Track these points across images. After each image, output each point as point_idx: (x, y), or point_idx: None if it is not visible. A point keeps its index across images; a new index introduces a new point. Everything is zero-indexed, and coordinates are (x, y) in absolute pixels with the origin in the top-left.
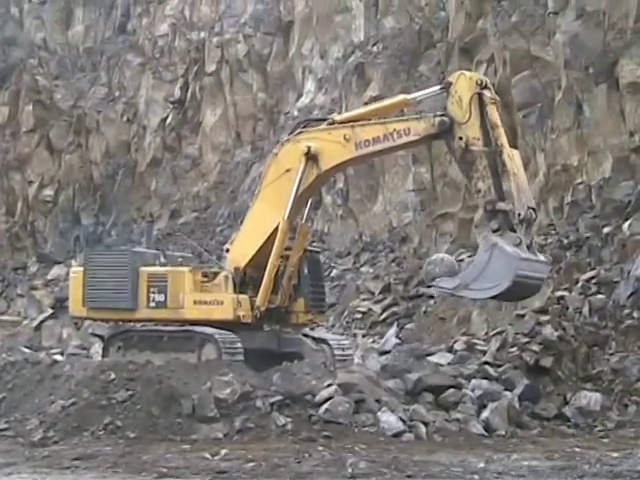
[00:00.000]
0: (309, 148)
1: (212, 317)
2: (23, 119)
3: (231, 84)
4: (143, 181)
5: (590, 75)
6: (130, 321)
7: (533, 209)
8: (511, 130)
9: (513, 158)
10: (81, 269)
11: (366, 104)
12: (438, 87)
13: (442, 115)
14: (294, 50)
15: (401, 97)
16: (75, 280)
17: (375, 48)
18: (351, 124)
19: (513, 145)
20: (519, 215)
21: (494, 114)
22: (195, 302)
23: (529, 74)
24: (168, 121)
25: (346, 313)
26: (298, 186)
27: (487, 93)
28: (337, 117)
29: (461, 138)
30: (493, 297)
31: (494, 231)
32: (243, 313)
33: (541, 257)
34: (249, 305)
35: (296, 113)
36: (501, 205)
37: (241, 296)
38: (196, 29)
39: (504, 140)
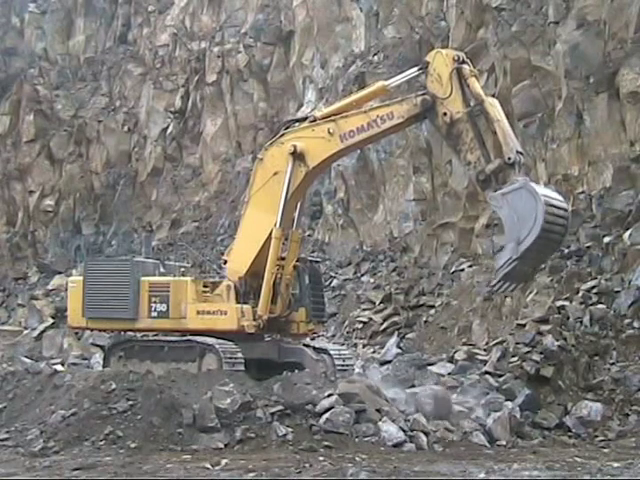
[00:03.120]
0: (295, 147)
1: (216, 327)
2: (24, 129)
3: (232, 94)
4: (144, 191)
5: (590, 85)
6: (131, 331)
7: (521, 153)
8: None
9: (495, 106)
10: (80, 279)
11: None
12: (415, 69)
13: (424, 94)
14: (295, 60)
15: (379, 84)
16: (74, 290)
17: (376, 58)
18: (333, 118)
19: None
20: (509, 159)
21: (475, 86)
22: (198, 312)
23: (529, 84)
24: (169, 131)
25: (347, 323)
26: (288, 187)
27: (466, 67)
28: (318, 114)
29: (445, 114)
30: (545, 231)
31: (495, 191)
32: (247, 323)
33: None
34: (252, 315)
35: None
36: (490, 167)
37: (244, 306)
38: (197, 39)
39: (481, 93)
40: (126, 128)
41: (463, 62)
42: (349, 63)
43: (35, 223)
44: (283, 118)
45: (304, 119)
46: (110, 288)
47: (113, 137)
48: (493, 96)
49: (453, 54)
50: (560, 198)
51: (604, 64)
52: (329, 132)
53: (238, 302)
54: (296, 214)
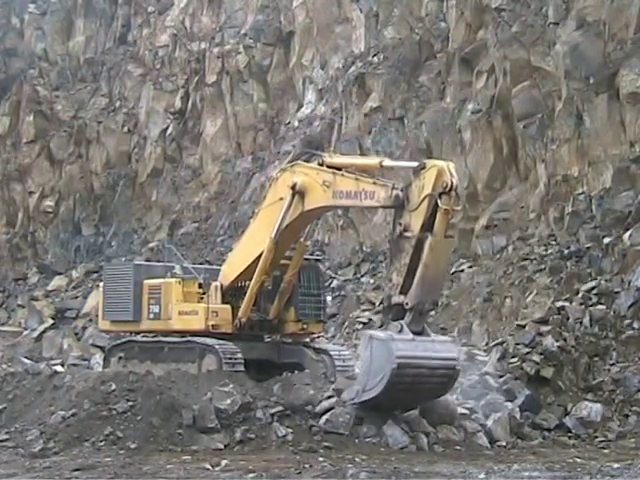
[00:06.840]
0: (295, 183)
1: (189, 327)
2: (24, 130)
3: (231, 94)
4: (143, 192)
5: (590, 85)
6: (137, 333)
7: (434, 302)
8: (511, 141)
9: (435, 248)
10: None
11: (366, 115)
12: (416, 164)
13: (401, 190)
14: (294, 61)
15: (377, 160)
16: (100, 294)
17: (375, 58)
18: (333, 171)
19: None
20: (406, 304)
21: (440, 222)
22: (179, 313)
23: (529, 84)
24: (169, 132)
25: (347, 324)
26: (284, 217)
27: (444, 200)
28: (327, 159)
29: (400, 224)
30: (391, 389)
31: (380, 327)
32: (214, 323)
33: (440, 338)
34: (229, 316)
35: (296, 123)
36: (395, 299)
37: (221, 306)
38: (196, 40)
39: (438, 230)
40: (126, 129)
41: (449, 191)
42: (349, 64)
43: (35, 224)
44: (283, 119)
45: (318, 155)
46: (120, 292)
47: (113, 138)
48: (493, 97)
49: (446, 178)
50: (442, 354)
51: (604, 65)
52: (325, 183)
53: (225, 303)
54: (306, 229)
